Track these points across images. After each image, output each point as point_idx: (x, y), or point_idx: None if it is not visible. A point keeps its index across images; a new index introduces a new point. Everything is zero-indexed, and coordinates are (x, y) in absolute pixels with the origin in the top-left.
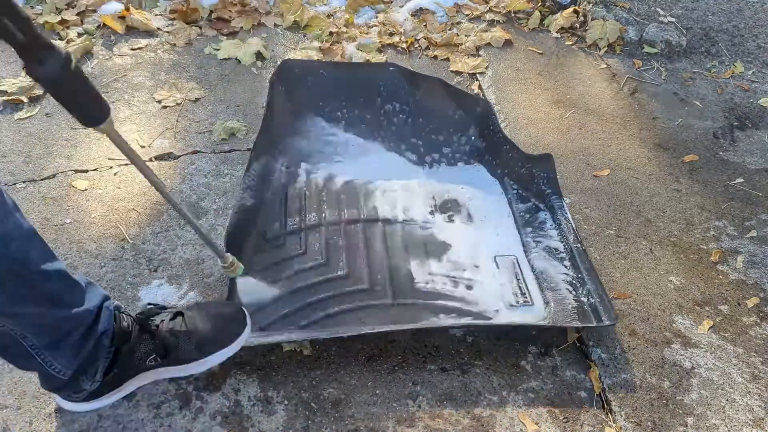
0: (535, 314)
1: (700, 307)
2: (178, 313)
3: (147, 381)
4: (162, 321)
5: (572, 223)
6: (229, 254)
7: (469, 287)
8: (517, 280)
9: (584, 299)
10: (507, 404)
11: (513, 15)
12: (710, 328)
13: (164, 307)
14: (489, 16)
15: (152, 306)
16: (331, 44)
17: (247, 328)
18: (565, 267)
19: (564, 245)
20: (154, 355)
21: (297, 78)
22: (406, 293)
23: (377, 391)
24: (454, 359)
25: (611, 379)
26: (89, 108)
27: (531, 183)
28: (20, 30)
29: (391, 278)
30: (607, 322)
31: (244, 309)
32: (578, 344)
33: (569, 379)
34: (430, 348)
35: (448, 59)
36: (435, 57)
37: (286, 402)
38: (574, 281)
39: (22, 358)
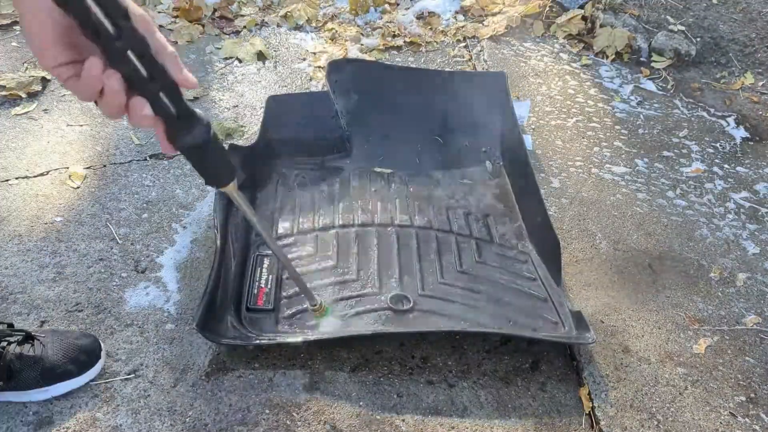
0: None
1: (698, 326)
2: (29, 337)
3: None
4: (10, 343)
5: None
6: (318, 296)
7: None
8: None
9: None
10: (494, 420)
11: (520, 20)
12: (707, 347)
13: (12, 325)
14: (495, 20)
15: (2, 324)
16: (334, 45)
17: (100, 362)
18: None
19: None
20: None
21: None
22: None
23: (361, 403)
24: (441, 372)
25: (601, 397)
26: (221, 170)
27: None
28: (173, 102)
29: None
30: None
31: (101, 342)
32: (569, 360)
33: (559, 396)
34: (417, 360)
35: (449, 60)
36: (439, 59)
37: (267, 411)
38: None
39: None
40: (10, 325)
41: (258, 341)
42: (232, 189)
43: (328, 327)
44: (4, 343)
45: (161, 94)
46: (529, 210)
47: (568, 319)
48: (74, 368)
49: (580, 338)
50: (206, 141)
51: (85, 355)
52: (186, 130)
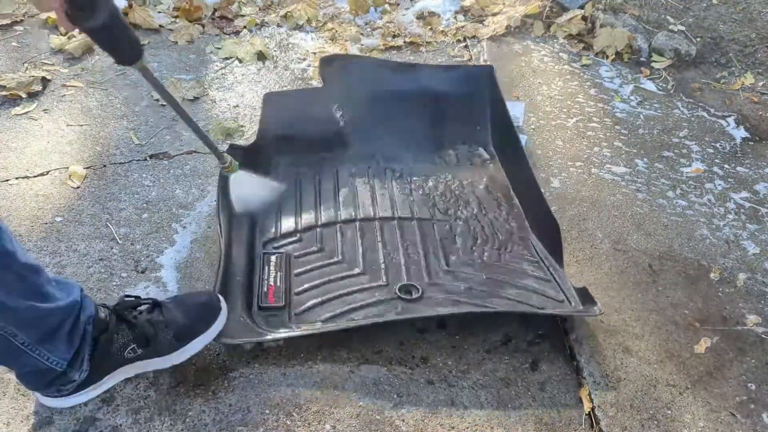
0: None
1: (698, 326)
2: (156, 304)
3: (129, 374)
4: (140, 312)
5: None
6: (227, 155)
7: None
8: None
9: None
10: (493, 420)
11: (520, 20)
12: (707, 347)
13: (139, 298)
14: (495, 20)
15: (130, 297)
16: (334, 45)
17: (223, 312)
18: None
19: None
20: (133, 346)
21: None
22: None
23: (361, 403)
24: (441, 372)
25: (602, 397)
26: (130, 49)
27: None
28: None
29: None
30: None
31: (219, 295)
32: (569, 360)
33: (559, 395)
34: (417, 359)
35: (449, 60)
36: (439, 59)
37: (267, 411)
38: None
39: (12, 356)
40: (137, 297)
41: (271, 337)
42: (141, 66)
43: (238, 181)
44: (136, 313)
45: None
46: (526, 196)
47: (573, 297)
48: (201, 325)
49: (587, 311)
50: (111, 22)
51: (207, 311)
52: (89, 10)
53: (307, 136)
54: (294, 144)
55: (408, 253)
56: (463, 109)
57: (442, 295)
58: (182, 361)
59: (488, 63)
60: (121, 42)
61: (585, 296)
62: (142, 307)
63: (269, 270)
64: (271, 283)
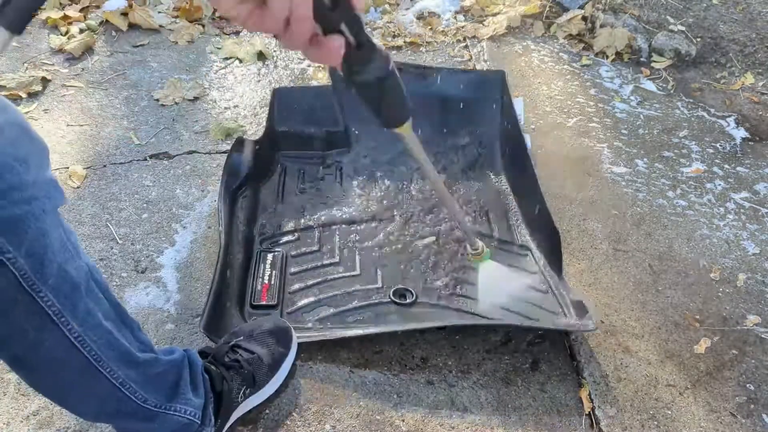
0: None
1: (699, 326)
2: (234, 347)
3: (235, 419)
4: (237, 356)
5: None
6: (479, 240)
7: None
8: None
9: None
10: (493, 420)
11: (520, 20)
12: (707, 347)
13: (205, 352)
14: (495, 20)
15: (206, 350)
16: None
17: (291, 329)
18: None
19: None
20: (243, 388)
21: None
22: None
23: (361, 403)
24: (441, 372)
25: (602, 397)
26: (397, 109)
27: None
28: (353, 32)
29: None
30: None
31: (272, 313)
32: (569, 360)
33: (559, 396)
34: (417, 360)
35: (449, 60)
36: (439, 59)
37: (267, 411)
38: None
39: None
40: (207, 348)
41: None
42: (405, 130)
43: (485, 272)
44: (234, 356)
45: (343, 25)
46: (528, 205)
47: (569, 310)
48: (283, 348)
49: (582, 326)
50: (386, 76)
51: (280, 332)
52: (365, 62)
53: (314, 133)
54: (300, 141)
55: (405, 258)
56: (472, 114)
57: (436, 301)
58: (275, 388)
59: (488, 62)
60: (392, 100)
61: (581, 309)
62: (230, 353)
63: (264, 268)
64: (266, 281)
